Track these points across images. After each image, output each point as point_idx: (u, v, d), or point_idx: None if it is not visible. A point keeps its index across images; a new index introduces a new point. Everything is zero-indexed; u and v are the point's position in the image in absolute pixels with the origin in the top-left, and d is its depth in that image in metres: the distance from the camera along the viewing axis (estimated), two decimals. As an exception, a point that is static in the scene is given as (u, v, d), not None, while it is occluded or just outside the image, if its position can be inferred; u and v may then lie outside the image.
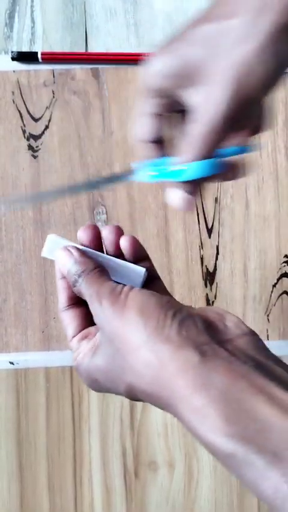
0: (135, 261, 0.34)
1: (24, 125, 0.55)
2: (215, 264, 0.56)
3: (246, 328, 0.28)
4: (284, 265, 0.56)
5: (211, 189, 0.56)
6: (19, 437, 0.55)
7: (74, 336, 0.33)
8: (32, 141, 0.55)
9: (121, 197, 0.55)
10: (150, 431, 0.55)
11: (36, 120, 0.55)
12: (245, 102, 0.26)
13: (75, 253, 0.32)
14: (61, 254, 0.32)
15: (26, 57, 0.54)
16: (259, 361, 0.25)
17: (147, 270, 0.34)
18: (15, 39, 0.55)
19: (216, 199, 0.56)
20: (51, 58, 0.54)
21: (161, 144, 0.32)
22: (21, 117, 0.55)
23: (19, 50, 0.55)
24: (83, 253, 0.32)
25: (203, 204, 0.56)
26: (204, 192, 0.56)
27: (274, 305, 0.56)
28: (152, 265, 0.35)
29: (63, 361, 0.55)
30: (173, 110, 0.30)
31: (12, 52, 0.54)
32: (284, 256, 0.56)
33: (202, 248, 0.56)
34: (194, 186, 0.29)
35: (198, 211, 0.56)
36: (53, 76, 0.55)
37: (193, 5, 0.56)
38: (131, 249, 0.34)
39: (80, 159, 0.55)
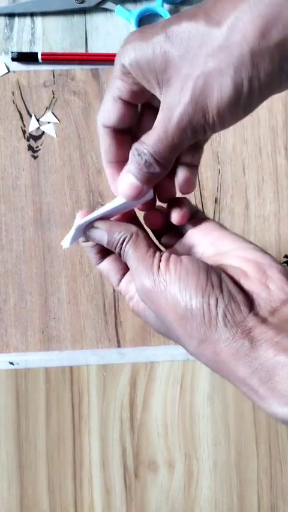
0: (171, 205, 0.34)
1: (24, 125, 0.55)
2: (215, 264, 0.56)
3: None
4: (284, 266, 0.56)
5: (211, 190, 0.56)
6: (19, 437, 0.55)
7: (120, 280, 0.33)
8: (32, 141, 0.55)
9: (121, 197, 0.55)
10: (150, 431, 0.55)
11: (36, 120, 0.55)
12: (197, 118, 0.26)
13: (102, 225, 0.31)
14: (92, 233, 0.32)
15: (26, 57, 0.54)
16: None
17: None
18: (15, 39, 0.55)
19: (216, 200, 0.56)
20: (51, 58, 0.54)
21: (124, 136, 0.31)
22: (21, 117, 0.55)
23: (19, 51, 0.55)
24: (112, 224, 0.32)
25: (203, 204, 0.56)
26: (204, 192, 0.56)
27: (274, 305, 0.56)
28: (192, 207, 0.34)
29: (63, 362, 0.55)
30: (141, 101, 0.30)
31: (12, 52, 0.54)
32: (284, 256, 0.56)
33: (202, 248, 0.56)
34: (146, 176, 0.29)
35: (198, 212, 0.56)
36: (53, 76, 0.55)
37: (192, 5, 0.56)
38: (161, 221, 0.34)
39: (80, 160, 0.55)
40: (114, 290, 0.55)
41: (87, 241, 0.33)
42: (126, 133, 0.31)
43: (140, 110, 0.31)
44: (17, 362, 0.54)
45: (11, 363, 0.54)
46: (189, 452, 0.55)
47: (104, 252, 0.34)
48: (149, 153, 0.28)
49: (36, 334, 0.55)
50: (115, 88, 0.29)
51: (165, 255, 0.29)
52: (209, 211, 0.56)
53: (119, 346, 0.55)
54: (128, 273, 0.33)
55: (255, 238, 0.56)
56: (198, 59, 0.25)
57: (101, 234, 0.31)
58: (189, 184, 0.33)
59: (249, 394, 0.26)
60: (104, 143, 0.31)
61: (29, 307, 0.55)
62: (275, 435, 0.56)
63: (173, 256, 0.28)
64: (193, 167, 0.32)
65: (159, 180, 0.30)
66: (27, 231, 0.55)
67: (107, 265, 0.34)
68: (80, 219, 0.33)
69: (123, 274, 0.33)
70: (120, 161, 0.32)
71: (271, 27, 0.23)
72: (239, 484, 0.56)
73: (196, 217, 0.34)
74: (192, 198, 0.55)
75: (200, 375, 0.55)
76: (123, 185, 0.30)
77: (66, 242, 0.33)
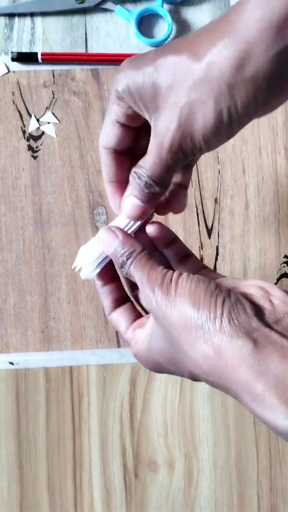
0: (165, 244, 0.36)
1: (24, 125, 0.55)
2: (215, 264, 0.56)
3: None
4: (284, 266, 0.56)
5: (211, 190, 0.56)
6: (19, 437, 0.55)
7: (127, 328, 0.34)
8: (32, 141, 0.55)
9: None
10: (150, 431, 0.55)
11: (36, 120, 0.55)
12: (185, 142, 0.29)
13: (120, 234, 0.32)
14: (105, 234, 0.33)
15: (26, 57, 0.54)
16: None
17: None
18: (15, 39, 0.56)
19: (216, 200, 0.56)
20: (51, 59, 0.54)
21: (123, 157, 0.34)
22: (21, 117, 0.55)
23: (19, 51, 0.55)
24: (127, 233, 0.33)
25: (203, 204, 0.56)
26: (204, 192, 0.56)
27: (274, 305, 0.56)
28: (183, 244, 0.36)
29: (63, 362, 0.55)
30: (137, 124, 0.32)
31: (12, 52, 0.54)
32: (284, 257, 0.56)
33: (202, 248, 0.56)
34: (148, 196, 0.32)
35: (198, 212, 0.56)
36: (53, 77, 0.55)
37: (193, 5, 0.56)
38: (159, 233, 0.35)
39: (80, 160, 0.55)
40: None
41: (105, 285, 0.35)
42: (126, 154, 0.34)
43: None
44: (17, 362, 0.54)
45: (11, 363, 0.54)
46: (189, 452, 0.55)
47: (118, 301, 0.35)
48: (147, 176, 0.31)
49: (36, 334, 0.55)
50: (112, 112, 0.32)
51: (177, 271, 0.30)
52: (209, 212, 0.56)
53: (119, 346, 0.55)
54: (135, 322, 0.35)
55: (255, 238, 0.56)
56: (182, 90, 0.28)
57: (114, 238, 0.32)
58: (181, 206, 0.35)
59: (252, 403, 0.25)
60: (105, 164, 0.34)
61: (29, 307, 0.55)
62: (275, 436, 0.56)
63: (185, 273, 0.30)
64: (183, 188, 0.36)
65: (159, 198, 0.33)
66: (27, 231, 0.55)
67: (119, 315, 0.35)
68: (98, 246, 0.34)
69: (132, 323, 0.35)
70: (121, 180, 0.34)
71: (244, 63, 0.26)
72: (239, 484, 0.56)
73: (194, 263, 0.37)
74: (192, 198, 0.55)
75: (200, 375, 0.55)
76: (127, 207, 0.33)
77: (86, 272, 0.34)
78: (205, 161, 0.56)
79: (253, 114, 0.28)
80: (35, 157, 0.55)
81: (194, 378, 0.30)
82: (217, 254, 0.56)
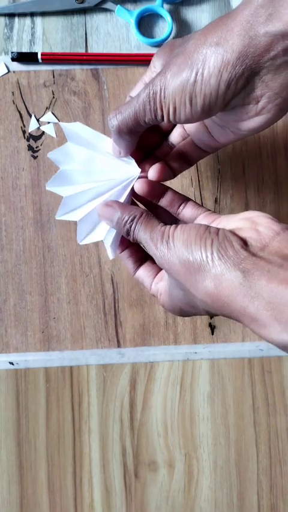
0: (158, 197, 0.39)
1: (24, 125, 0.55)
2: (215, 264, 0.56)
3: (278, 226, 0.31)
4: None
5: (211, 190, 0.56)
6: (19, 437, 0.55)
7: (151, 284, 0.39)
8: (32, 141, 0.55)
9: (121, 197, 0.55)
10: (150, 431, 0.55)
11: (36, 120, 0.55)
12: (158, 96, 0.34)
13: (116, 205, 0.37)
14: (104, 210, 0.37)
15: (26, 57, 0.54)
16: None
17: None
18: (15, 39, 0.56)
19: (216, 200, 0.56)
20: (51, 58, 0.54)
21: None
22: (21, 117, 0.55)
23: (19, 51, 0.55)
24: (122, 204, 0.37)
25: (203, 204, 0.56)
26: (203, 192, 0.56)
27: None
28: (176, 193, 0.40)
29: (63, 362, 0.55)
30: None
31: (12, 52, 0.54)
32: (284, 257, 0.56)
33: (202, 248, 0.56)
34: (116, 141, 0.38)
35: (198, 212, 0.56)
36: (53, 76, 0.55)
37: (193, 5, 0.56)
38: (147, 189, 0.39)
39: (80, 160, 0.55)
40: (114, 291, 0.55)
41: (124, 250, 0.39)
42: None
43: None
44: (17, 362, 0.54)
45: (11, 363, 0.54)
46: (189, 452, 0.55)
47: (139, 261, 0.40)
48: (116, 120, 0.35)
49: (36, 334, 0.55)
50: (145, 74, 0.39)
51: (173, 225, 0.33)
52: (209, 212, 0.56)
53: (119, 346, 0.55)
54: (157, 276, 0.39)
55: (255, 238, 0.56)
56: (175, 64, 0.33)
57: (113, 212, 0.36)
58: (162, 174, 0.39)
59: (251, 325, 0.28)
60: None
61: (29, 307, 0.55)
62: (275, 436, 0.56)
63: (180, 224, 0.33)
64: (173, 171, 0.40)
65: (130, 147, 0.38)
66: (27, 231, 0.55)
67: (141, 273, 0.39)
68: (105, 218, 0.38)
69: (154, 278, 0.39)
70: None
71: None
72: (239, 484, 0.56)
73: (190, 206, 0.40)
74: (192, 198, 0.55)
75: (200, 375, 0.55)
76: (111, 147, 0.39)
77: (110, 253, 0.39)
78: (205, 161, 0.56)
79: (214, 101, 0.32)
80: (35, 157, 0.55)
81: (209, 314, 0.33)
82: (217, 254, 0.56)
